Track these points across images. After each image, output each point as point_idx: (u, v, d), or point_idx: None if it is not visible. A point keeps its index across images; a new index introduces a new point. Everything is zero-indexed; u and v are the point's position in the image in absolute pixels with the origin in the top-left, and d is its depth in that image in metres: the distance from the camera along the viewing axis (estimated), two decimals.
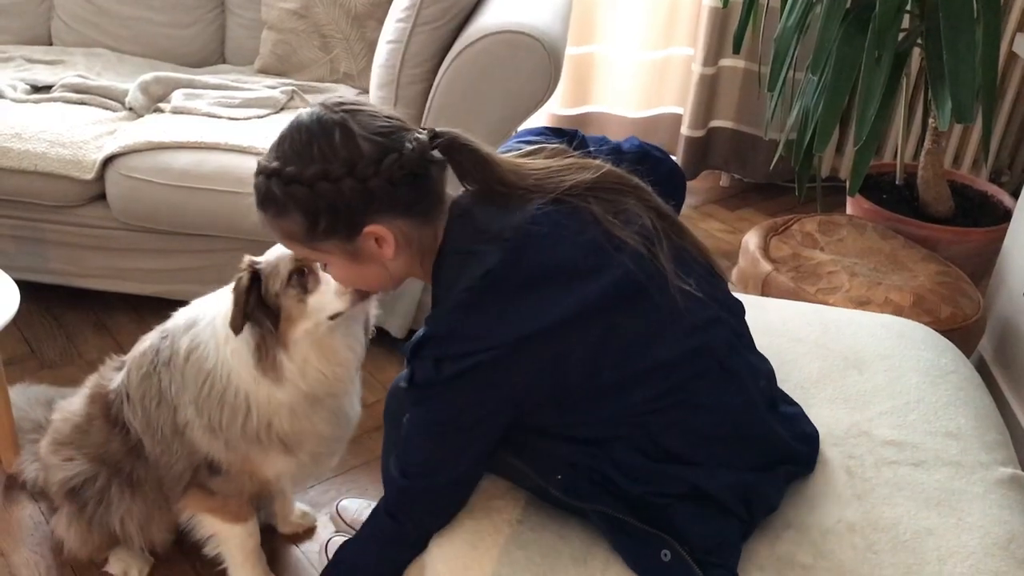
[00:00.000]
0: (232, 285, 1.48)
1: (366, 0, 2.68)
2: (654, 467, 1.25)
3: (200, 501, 1.69)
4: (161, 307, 2.57)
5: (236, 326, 1.46)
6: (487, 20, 2.18)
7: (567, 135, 1.41)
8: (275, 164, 1.18)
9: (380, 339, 2.50)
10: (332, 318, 1.49)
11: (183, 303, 2.63)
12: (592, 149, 1.37)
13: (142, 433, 1.66)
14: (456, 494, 1.33)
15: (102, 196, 2.41)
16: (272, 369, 1.51)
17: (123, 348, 2.49)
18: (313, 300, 1.47)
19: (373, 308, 1.63)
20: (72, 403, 1.82)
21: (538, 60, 2.13)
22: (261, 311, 1.48)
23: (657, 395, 1.23)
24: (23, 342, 2.49)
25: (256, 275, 1.48)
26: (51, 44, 3.02)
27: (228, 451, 1.59)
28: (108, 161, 2.36)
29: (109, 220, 2.44)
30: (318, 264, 1.43)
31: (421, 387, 1.20)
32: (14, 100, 2.54)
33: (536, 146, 1.34)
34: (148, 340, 1.69)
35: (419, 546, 1.34)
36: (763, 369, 1.40)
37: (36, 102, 2.54)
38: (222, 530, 1.73)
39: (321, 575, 1.46)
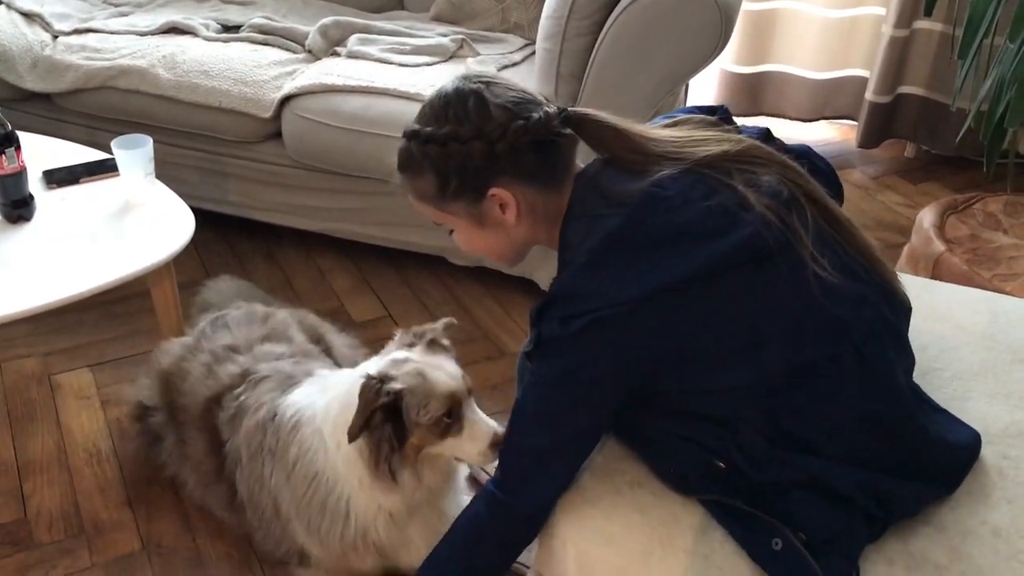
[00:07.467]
0: (359, 392, 1.48)
1: None
2: (776, 453, 1.21)
3: None
4: (324, 243, 2.71)
5: (354, 435, 1.49)
6: None
7: (714, 111, 1.38)
8: (415, 127, 1.28)
9: (527, 289, 2.54)
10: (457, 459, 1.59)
11: (347, 241, 2.74)
12: (742, 130, 1.34)
13: (246, 502, 1.74)
14: (565, 461, 1.31)
15: (278, 134, 2.53)
16: (386, 478, 1.53)
17: (289, 279, 2.64)
18: (451, 442, 1.52)
19: None
20: (194, 366, 1.85)
21: (708, 16, 2.05)
22: (385, 424, 1.50)
23: (784, 371, 1.19)
24: (200, 267, 2.66)
25: (394, 400, 1.48)
26: None
27: (323, 550, 1.66)
28: (285, 101, 2.47)
29: (283, 158, 2.56)
30: (470, 412, 1.52)
31: (545, 342, 1.22)
32: (205, 39, 2.68)
33: (681, 117, 1.35)
34: (263, 408, 1.71)
35: (533, 524, 1.33)
36: (903, 364, 1.31)
37: (225, 41, 2.68)
38: None
39: (428, 559, 1.44)
